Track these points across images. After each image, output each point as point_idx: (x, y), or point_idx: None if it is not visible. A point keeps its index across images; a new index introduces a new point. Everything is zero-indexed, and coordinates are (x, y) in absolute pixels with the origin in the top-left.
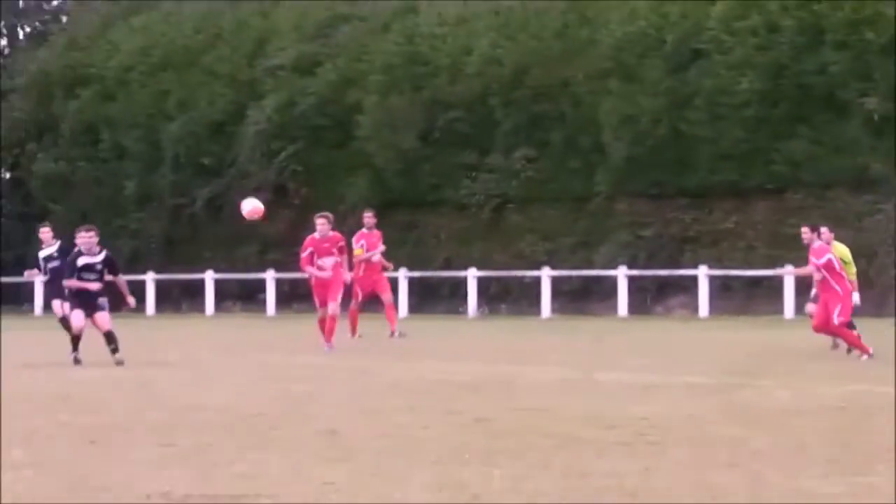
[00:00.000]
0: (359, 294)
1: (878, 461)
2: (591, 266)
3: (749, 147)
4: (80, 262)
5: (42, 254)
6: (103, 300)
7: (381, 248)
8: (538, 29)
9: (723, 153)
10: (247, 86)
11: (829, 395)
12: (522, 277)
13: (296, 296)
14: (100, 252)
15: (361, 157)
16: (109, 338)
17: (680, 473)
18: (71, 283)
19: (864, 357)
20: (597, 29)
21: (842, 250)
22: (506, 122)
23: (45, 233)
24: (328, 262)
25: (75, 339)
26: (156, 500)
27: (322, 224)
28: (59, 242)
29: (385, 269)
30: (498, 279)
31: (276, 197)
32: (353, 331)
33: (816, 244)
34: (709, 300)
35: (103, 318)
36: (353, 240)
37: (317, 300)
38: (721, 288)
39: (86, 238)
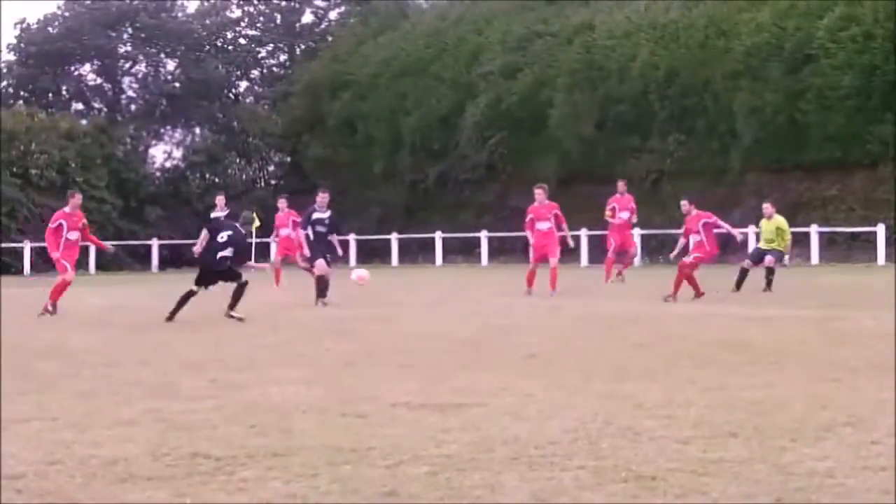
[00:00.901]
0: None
1: None
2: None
3: (849, 130)
4: (314, 216)
5: (315, 216)
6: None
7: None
8: (686, 40)
9: (829, 135)
10: (465, 88)
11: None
12: (675, 236)
13: (504, 250)
14: (327, 210)
15: (552, 142)
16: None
17: (794, 386)
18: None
19: None
20: (731, 39)
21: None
22: (661, 113)
23: (322, 197)
24: (544, 225)
25: (321, 283)
26: (399, 408)
27: (540, 193)
28: (329, 212)
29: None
30: (656, 236)
31: (487, 173)
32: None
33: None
34: (818, 251)
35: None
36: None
37: (533, 254)
38: (827, 242)
39: (322, 197)
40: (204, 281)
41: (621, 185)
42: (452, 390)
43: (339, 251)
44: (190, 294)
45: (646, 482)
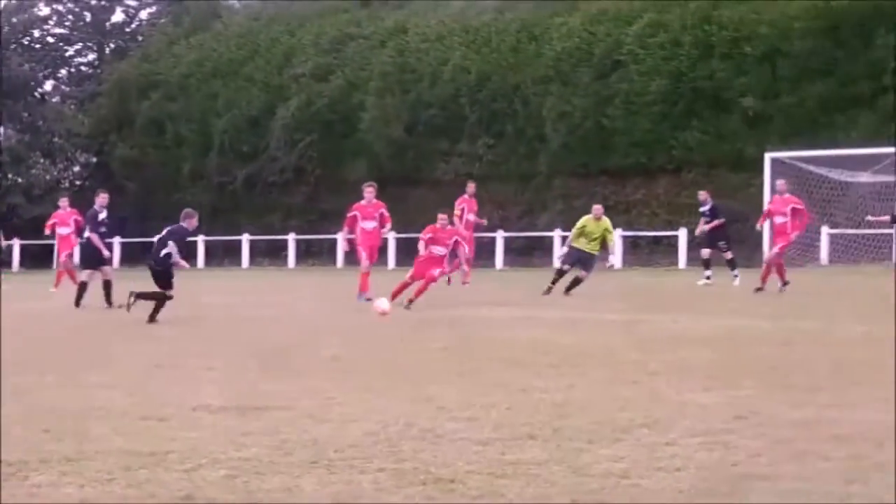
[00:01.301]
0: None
1: (748, 379)
2: (534, 229)
3: (654, 136)
4: (99, 217)
5: (100, 217)
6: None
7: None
8: (497, 44)
9: (635, 141)
10: (276, 90)
11: (710, 327)
12: (482, 238)
13: (311, 253)
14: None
15: (362, 145)
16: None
17: (595, 389)
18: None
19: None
20: (541, 45)
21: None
22: (471, 117)
23: (102, 198)
24: (370, 224)
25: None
26: (199, 411)
27: (370, 192)
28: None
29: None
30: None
31: (296, 176)
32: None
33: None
34: (622, 254)
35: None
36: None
37: (364, 254)
38: (631, 245)
39: (103, 198)
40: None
41: (471, 186)
42: (254, 394)
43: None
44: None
45: (444, 484)
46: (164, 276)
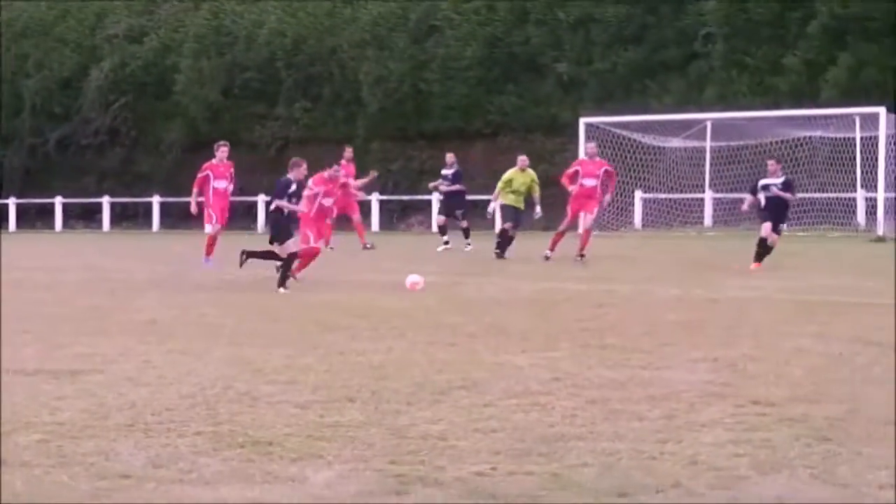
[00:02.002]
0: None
1: (561, 341)
2: None
3: (471, 101)
4: None
5: None
6: None
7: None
8: (313, 8)
9: (451, 105)
10: (89, 51)
11: (525, 289)
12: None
13: (126, 216)
14: None
15: (178, 107)
16: None
17: (415, 351)
18: None
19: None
20: (357, 8)
21: (532, 175)
22: (288, 80)
23: None
24: (222, 185)
25: None
26: (13, 375)
27: (224, 151)
28: None
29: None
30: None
31: (110, 138)
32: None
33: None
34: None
35: None
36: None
37: (214, 216)
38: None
39: None
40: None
41: (348, 151)
42: (70, 356)
43: None
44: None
45: (262, 447)
46: (274, 230)
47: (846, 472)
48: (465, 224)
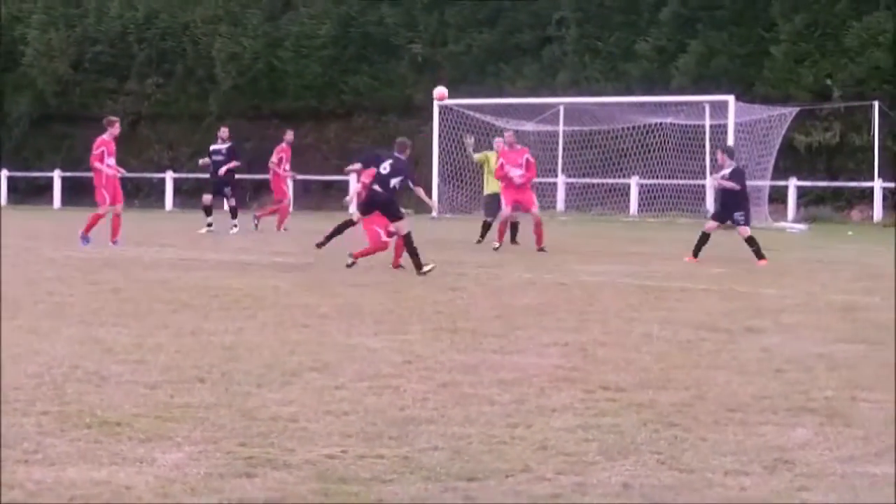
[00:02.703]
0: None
1: (414, 323)
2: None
3: (325, 80)
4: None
5: None
6: None
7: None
8: None
9: (306, 84)
10: None
11: (378, 272)
12: (151, 179)
13: None
14: None
15: (26, 79)
16: None
17: (266, 332)
18: None
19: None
20: None
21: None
22: (140, 55)
23: None
24: (113, 162)
25: None
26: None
27: (117, 127)
28: None
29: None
30: (132, 179)
31: None
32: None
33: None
34: (293, 199)
35: None
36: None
37: (107, 197)
38: (302, 189)
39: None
40: (367, 211)
41: (289, 134)
42: None
43: None
44: (349, 224)
45: (110, 427)
46: (393, 206)
47: (692, 458)
48: (233, 203)
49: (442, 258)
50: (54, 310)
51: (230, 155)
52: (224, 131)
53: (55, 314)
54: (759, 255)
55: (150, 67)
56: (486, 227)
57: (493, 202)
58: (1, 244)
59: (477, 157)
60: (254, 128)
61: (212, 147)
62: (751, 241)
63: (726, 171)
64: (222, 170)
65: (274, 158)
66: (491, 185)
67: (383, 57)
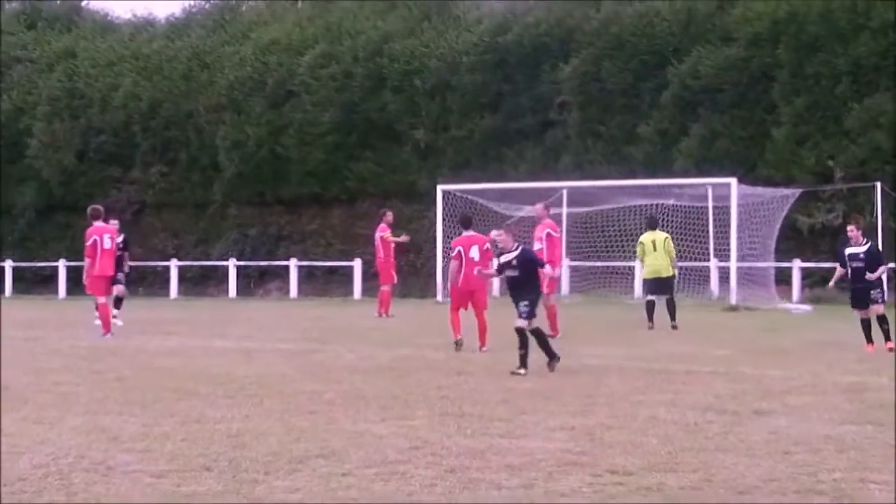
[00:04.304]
0: None
1: (420, 408)
2: (208, 258)
3: (329, 166)
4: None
5: None
6: None
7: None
8: (169, 71)
9: (309, 170)
10: None
11: (383, 357)
12: (156, 267)
13: None
14: None
15: (31, 171)
16: None
17: (272, 419)
18: None
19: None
20: (214, 73)
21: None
22: (144, 144)
23: None
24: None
25: None
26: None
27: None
28: None
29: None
30: (136, 268)
31: None
32: None
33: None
34: (297, 285)
35: None
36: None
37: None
38: (307, 275)
39: None
40: None
41: (389, 215)
42: None
43: None
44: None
45: None
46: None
47: None
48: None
49: (446, 341)
50: (60, 399)
51: (125, 246)
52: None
53: (61, 404)
54: (868, 339)
55: (154, 156)
56: None
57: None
58: (1, 335)
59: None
60: (258, 214)
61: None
62: (883, 319)
63: (861, 251)
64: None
65: (380, 243)
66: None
67: (386, 143)
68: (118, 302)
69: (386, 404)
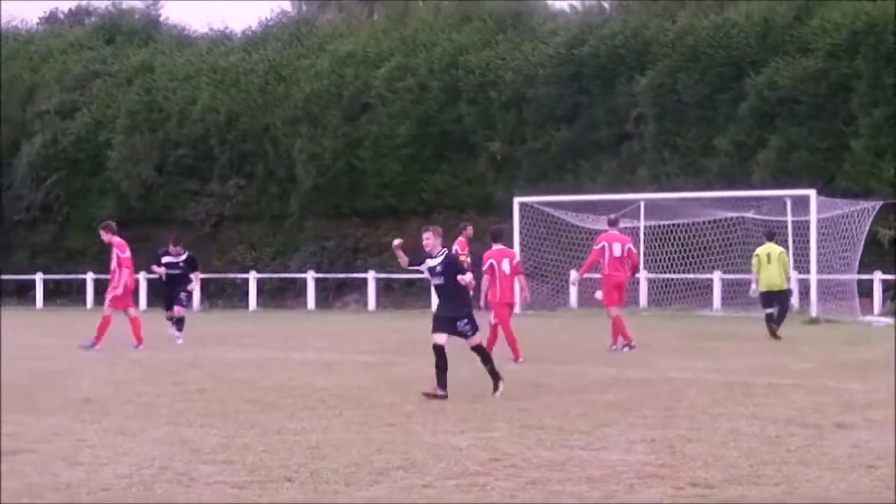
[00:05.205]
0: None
1: (499, 421)
2: (287, 270)
3: (405, 178)
4: None
5: None
6: None
7: None
8: (246, 85)
9: (385, 183)
10: (20, 126)
11: (461, 370)
12: (235, 279)
13: (60, 293)
14: None
15: (110, 183)
16: None
17: (352, 430)
18: None
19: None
20: (290, 85)
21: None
22: (222, 157)
23: None
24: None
25: None
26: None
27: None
28: None
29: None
30: (216, 280)
31: (42, 214)
32: None
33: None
34: (375, 297)
35: None
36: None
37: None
38: (385, 287)
39: None
40: None
41: (469, 229)
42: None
43: None
44: None
45: None
46: None
47: None
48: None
49: (526, 354)
50: (142, 410)
51: (190, 266)
52: (178, 249)
53: (143, 415)
54: None
55: (232, 169)
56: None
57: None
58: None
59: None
60: (334, 227)
61: (166, 259)
62: None
63: None
64: (192, 287)
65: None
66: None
67: (462, 155)
68: (179, 323)
69: (465, 416)
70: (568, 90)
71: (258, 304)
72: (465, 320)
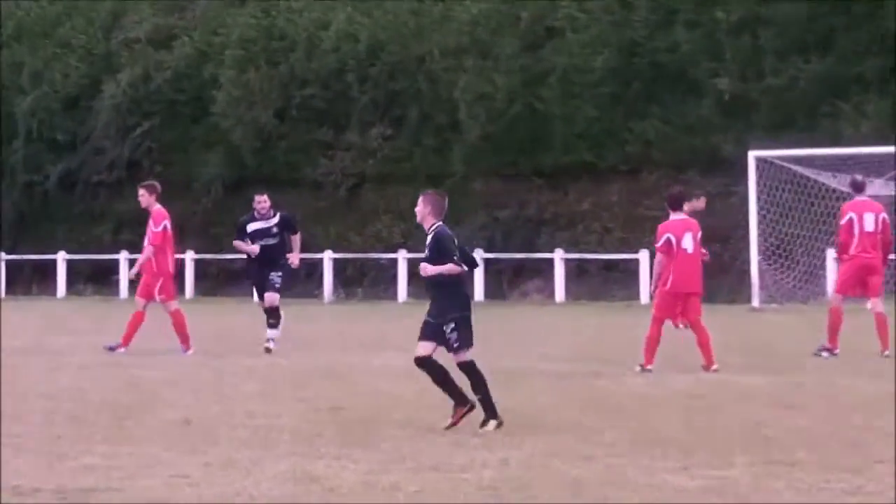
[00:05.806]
0: None
1: (736, 455)
2: None
3: (603, 126)
4: None
5: None
6: None
7: None
8: (394, 6)
9: (577, 132)
10: (101, 59)
11: (682, 383)
12: (379, 260)
13: None
14: None
15: (217, 133)
16: None
17: (535, 465)
18: None
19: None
20: (451, 5)
21: None
22: (362, 98)
23: None
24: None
25: None
26: (8, 495)
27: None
28: None
29: None
30: (354, 261)
31: (130, 174)
32: None
33: None
34: (564, 284)
35: None
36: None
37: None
38: (577, 272)
39: None
40: None
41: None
42: (79, 469)
43: None
44: None
45: None
46: None
47: None
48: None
49: (765, 361)
50: (257, 437)
51: (284, 228)
52: (263, 201)
53: (258, 443)
54: None
55: (376, 115)
56: None
57: None
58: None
59: None
60: (511, 191)
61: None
62: None
63: None
64: (294, 259)
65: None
66: None
67: (679, 95)
68: (273, 316)
69: (688, 448)
70: (821, 8)
71: (409, 293)
72: (453, 325)
